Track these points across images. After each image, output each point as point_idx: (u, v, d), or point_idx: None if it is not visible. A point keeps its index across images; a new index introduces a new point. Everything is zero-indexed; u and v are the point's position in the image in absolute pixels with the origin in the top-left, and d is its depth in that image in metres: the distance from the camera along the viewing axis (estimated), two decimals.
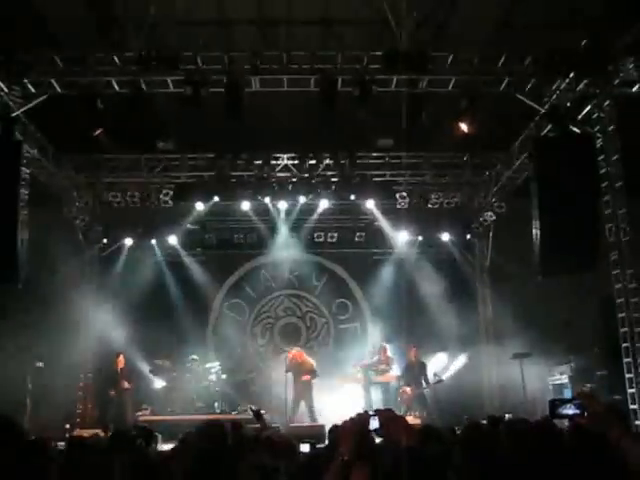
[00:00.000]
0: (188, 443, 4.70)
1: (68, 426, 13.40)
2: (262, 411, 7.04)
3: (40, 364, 13.92)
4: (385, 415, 2.96)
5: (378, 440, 3.33)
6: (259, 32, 12.06)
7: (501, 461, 3.44)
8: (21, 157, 11.29)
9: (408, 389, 13.97)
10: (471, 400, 14.99)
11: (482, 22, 11.44)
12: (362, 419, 3.02)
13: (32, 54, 10.75)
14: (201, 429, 4.47)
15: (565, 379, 13.68)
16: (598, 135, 11.46)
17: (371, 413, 3.20)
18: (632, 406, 10.83)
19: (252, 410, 6.95)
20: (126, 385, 14.08)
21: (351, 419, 3.28)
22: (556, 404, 4.15)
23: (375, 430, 3.09)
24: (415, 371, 14.12)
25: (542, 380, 14.16)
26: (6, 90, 11.10)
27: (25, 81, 11.00)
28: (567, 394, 13.37)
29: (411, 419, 12.38)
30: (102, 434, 11.59)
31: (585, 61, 10.70)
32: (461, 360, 15.03)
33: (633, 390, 10.92)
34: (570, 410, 4.03)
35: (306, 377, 13.92)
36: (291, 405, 13.66)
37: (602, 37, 10.58)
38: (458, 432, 5.52)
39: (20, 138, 11.70)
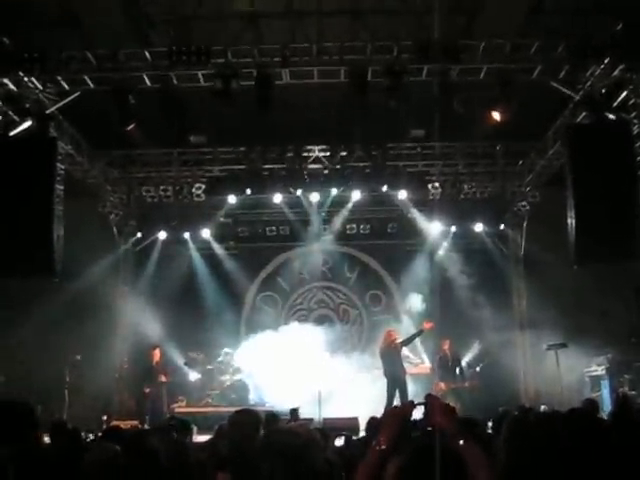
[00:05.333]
0: (222, 432, 4.69)
1: (105, 417, 13.59)
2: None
3: (78, 357, 14.13)
4: (433, 404, 2.86)
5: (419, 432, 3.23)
6: (288, 24, 12.03)
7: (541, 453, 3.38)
8: (56, 153, 11.47)
9: (442, 384, 13.72)
10: (507, 391, 14.85)
11: (514, 9, 11.25)
12: (405, 408, 2.94)
13: (65, 51, 10.87)
14: (234, 417, 4.45)
15: (602, 371, 13.46)
16: (635, 121, 11.23)
17: (418, 402, 3.08)
18: None
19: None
20: (163, 379, 14.02)
21: (394, 407, 3.20)
22: None
23: (418, 420, 2.99)
24: (449, 364, 13.98)
25: (578, 371, 13.96)
26: (41, 87, 11.28)
27: (59, 78, 11.15)
28: (604, 386, 13.18)
29: None
30: (139, 425, 11.85)
31: (620, 46, 10.46)
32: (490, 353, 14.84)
33: None
34: None
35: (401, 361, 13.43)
36: (387, 394, 12.86)
37: (638, 21, 10.33)
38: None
39: (55, 134, 11.89)
